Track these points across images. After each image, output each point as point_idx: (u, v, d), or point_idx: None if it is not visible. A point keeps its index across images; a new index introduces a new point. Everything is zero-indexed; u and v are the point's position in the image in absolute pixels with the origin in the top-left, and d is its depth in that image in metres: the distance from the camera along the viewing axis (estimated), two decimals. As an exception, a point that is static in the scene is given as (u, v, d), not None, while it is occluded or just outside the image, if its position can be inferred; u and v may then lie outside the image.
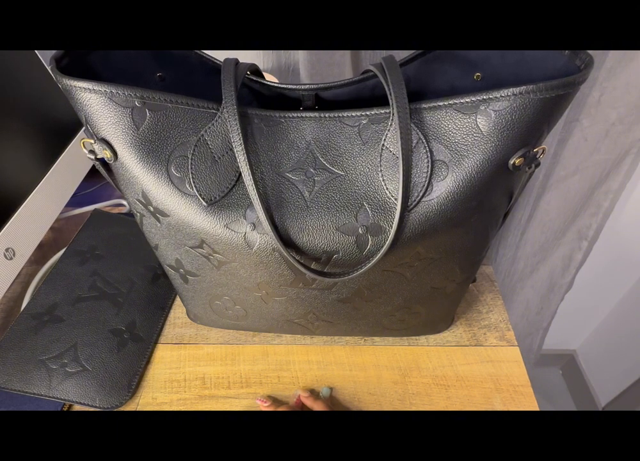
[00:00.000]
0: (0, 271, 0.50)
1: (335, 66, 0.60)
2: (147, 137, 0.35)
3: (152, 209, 0.38)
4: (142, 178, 0.36)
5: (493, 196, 0.37)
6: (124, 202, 0.72)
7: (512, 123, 0.32)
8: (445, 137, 0.34)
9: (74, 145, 0.61)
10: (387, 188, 0.36)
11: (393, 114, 0.34)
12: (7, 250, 0.50)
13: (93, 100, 0.33)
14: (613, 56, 0.59)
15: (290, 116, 0.38)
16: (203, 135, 0.36)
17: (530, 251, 0.87)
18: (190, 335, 0.56)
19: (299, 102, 0.43)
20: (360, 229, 0.36)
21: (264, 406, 0.49)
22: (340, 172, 0.37)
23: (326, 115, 0.37)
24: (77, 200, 0.71)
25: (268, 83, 0.43)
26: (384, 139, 0.36)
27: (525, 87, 0.31)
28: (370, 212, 0.36)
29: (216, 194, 0.36)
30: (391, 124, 0.36)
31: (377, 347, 0.55)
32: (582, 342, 1.25)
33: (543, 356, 1.22)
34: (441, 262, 0.41)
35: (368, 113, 0.37)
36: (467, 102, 0.33)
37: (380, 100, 0.38)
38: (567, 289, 0.94)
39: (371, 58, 0.63)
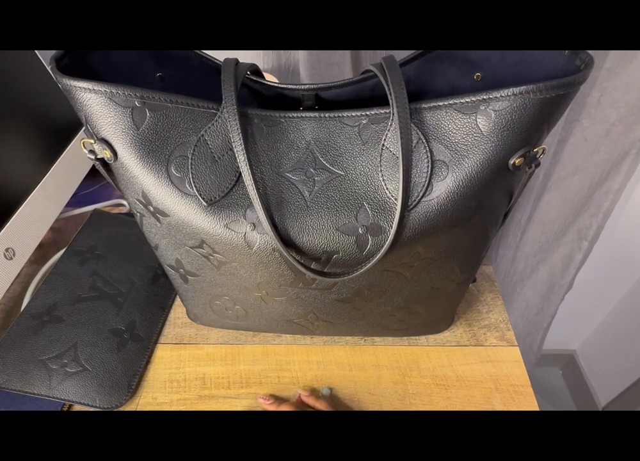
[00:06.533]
0: (0, 271, 0.50)
1: (335, 66, 0.60)
2: (147, 137, 0.35)
3: (151, 209, 0.38)
4: (142, 178, 0.36)
5: (493, 196, 0.37)
6: (124, 202, 0.72)
7: (512, 123, 0.32)
8: (445, 137, 0.34)
9: (74, 145, 0.61)
10: (387, 188, 0.36)
11: (393, 114, 0.34)
12: (7, 250, 0.50)
13: (93, 100, 0.33)
14: (613, 56, 0.59)
15: (290, 116, 0.38)
16: (203, 135, 0.36)
17: (530, 252, 0.87)
18: (190, 335, 0.56)
19: (299, 102, 0.43)
20: (360, 229, 0.36)
21: (267, 404, 0.48)
22: (340, 172, 0.37)
23: (326, 115, 0.37)
24: (77, 200, 0.71)
25: (268, 83, 0.43)
26: (384, 139, 0.36)
27: (525, 87, 0.31)
28: (370, 212, 0.36)
29: (216, 194, 0.36)
30: (391, 124, 0.36)
31: (377, 347, 0.55)
32: (582, 342, 1.25)
33: (543, 356, 1.22)
34: (441, 262, 0.41)
35: (368, 113, 0.37)
36: (467, 102, 0.33)
37: (380, 100, 0.38)
38: (567, 289, 0.94)
39: (371, 58, 0.63)
